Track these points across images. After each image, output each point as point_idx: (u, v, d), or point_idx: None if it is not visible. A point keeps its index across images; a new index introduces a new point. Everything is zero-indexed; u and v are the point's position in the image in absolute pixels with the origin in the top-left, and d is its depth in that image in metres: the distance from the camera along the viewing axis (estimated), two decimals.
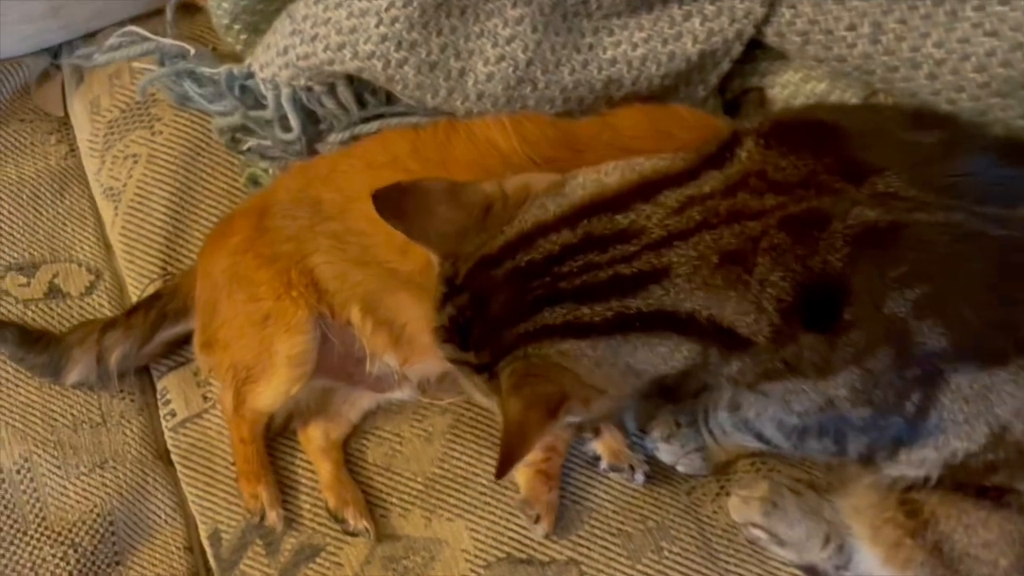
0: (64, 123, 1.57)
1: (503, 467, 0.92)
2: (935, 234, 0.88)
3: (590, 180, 0.98)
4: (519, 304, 0.95)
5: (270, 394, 1.23)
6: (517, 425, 0.93)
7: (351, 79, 1.27)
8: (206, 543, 1.31)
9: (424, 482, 1.29)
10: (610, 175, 0.98)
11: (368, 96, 1.28)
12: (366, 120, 1.29)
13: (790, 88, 1.29)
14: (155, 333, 1.34)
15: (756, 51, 1.29)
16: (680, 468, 1.27)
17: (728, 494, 1.26)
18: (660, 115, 1.24)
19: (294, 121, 1.29)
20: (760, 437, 1.13)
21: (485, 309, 0.96)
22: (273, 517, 1.26)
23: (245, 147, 1.37)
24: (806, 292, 0.88)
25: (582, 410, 0.96)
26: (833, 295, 0.88)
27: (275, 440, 1.32)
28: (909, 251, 0.88)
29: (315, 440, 1.29)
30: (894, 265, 0.88)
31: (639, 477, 1.26)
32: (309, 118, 1.30)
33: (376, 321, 1.24)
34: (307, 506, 1.30)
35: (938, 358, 0.90)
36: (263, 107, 1.32)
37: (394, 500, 1.29)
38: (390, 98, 1.30)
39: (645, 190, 0.95)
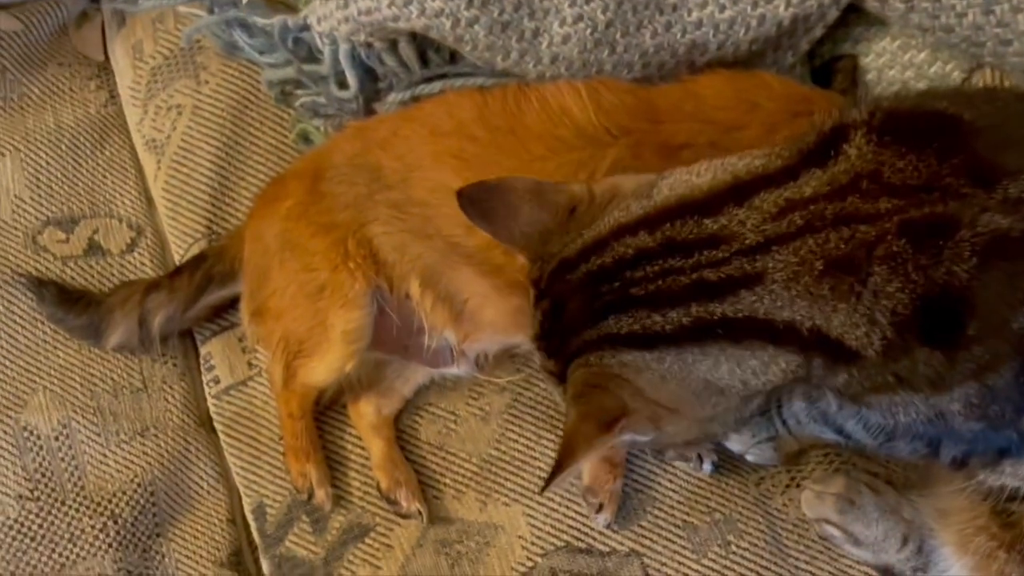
0: (104, 68, 1.49)
1: (550, 478, 0.86)
2: None
3: (680, 181, 0.90)
4: (588, 310, 0.88)
5: (323, 369, 1.17)
6: (568, 436, 0.87)
7: (414, 36, 1.18)
8: (250, 517, 1.26)
9: (479, 463, 1.23)
10: (701, 176, 0.90)
11: (431, 54, 1.20)
12: (428, 80, 1.20)
13: (886, 57, 1.20)
14: (200, 297, 1.28)
15: (851, 15, 1.20)
16: (749, 457, 1.20)
17: (799, 486, 1.20)
18: (745, 83, 1.16)
19: (352, 79, 1.20)
20: (840, 431, 1.06)
21: (561, 315, 0.90)
22: (322, 496, 1.21)
23: (297, 102, 1.28)
24: (926, 305, 0.80)
25: (650, 429, 0.89)
26: (956, 308, 0.80)
27: (324, 413, 1.27)
28: None
29: (367, 416, 1.23)
30: None
31: (707, 467, 1.20)
32: (367, 75, 1.22)
33: (436, 296, 1.17)
34: (357, 484, 1.24)
35: None
36: (318, 61, 1.23)
37: (447, 481, 1.23)
38: (454, 57, 1.21)
39: (739, 192, 0.87)
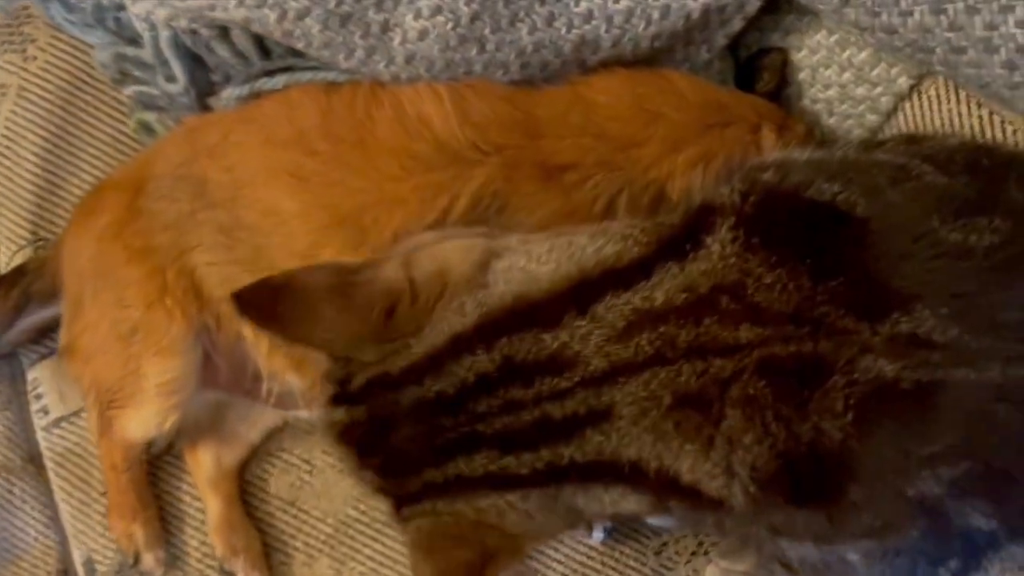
0: None
1: None
2: (986, 401, 0.61)
3: (517, 269, 0.71)
4: (428, 446, 0.71)
5: (139, 424, 0.99)
6: None
7: None
8: (80, 571, 1.10)
9: (335, 525, 1.07)
10: (542, 263, 0.71)
11: (273, 43, 0.99)
12: (270, 73, 1.00)
13: (821, 53, 0.99)
14: (18, 318, 1.10)
15: (781, 2, 0.98)
16: (650, 520, 1.03)
17: (707, 554, 1.03)
18: (648, 86, 0.96)
19: (178, 70, 1.00)
20: None
21: (386, 437, 0.72)
22: (150, 561, 1.04)
23: (126, 92, 1.08)
24: (792, 464, 0.61)
25: (515, 560, 0.74)
26: (832, 470, 0.61)
27: (159, 458, 1.09)
28: (946, 425, 0.62)
29: (205, 467, 1.06)
30: (923, 442, 0.61)
31: (597, 535, 1.04)
32: (198, 66, 1.01)
33: (272, 338, 0.98)
34: (195, 543, 1.08)
35: (985, 537, 0.64)
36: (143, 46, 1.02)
37: (298, 544, 1.07)
38: None
39: (584, 293, 0.68)
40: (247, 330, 0.98)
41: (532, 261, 0.71)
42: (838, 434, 0.61)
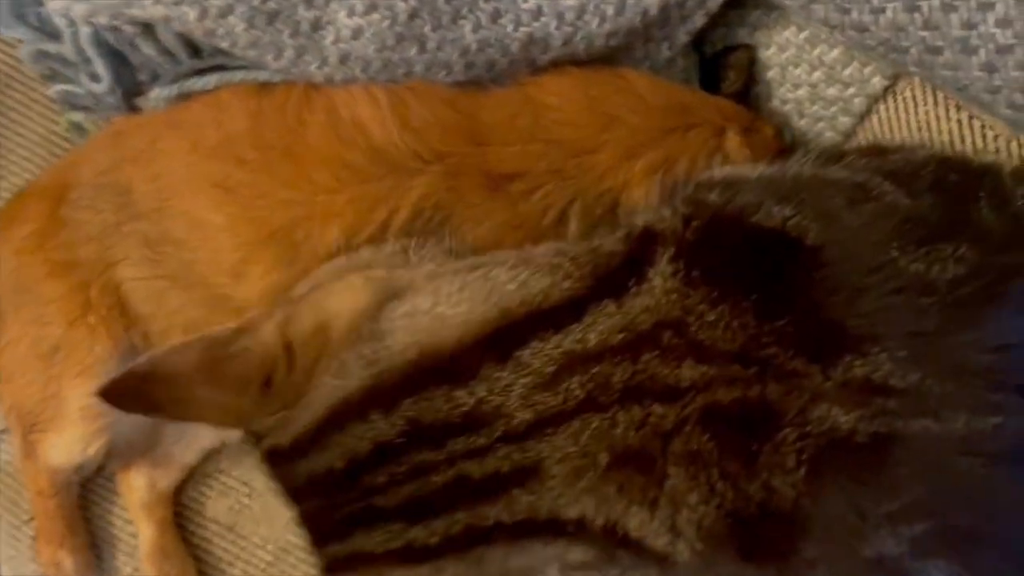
0: None
1: None
2: (949, 455, 0.55)
3: (422, 314, 0.64)
4: (326, 520, 0.64)
5: (63, 450, 0.93)
6: None
7: None
8: None
9: (275, 552, 1.01)
10: (454, 303, 0.64)
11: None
12: (200, 72, 0.93)
13: (791, 51, 0.92)
14: None
15: None
16: None
17: None
18: (603, 87, 0.89)
19: (102, 69, 0.93)
20: None
21: (297, 507, 0.65)
22: None
23: (52, 90, 1.01)
24: (741, 522, 0.55)
25: None
26: (783, 527, 0.55)
27: (91, 480, 1.03)
28: (905, 481, 0.55)
29: (138, 491, 1.00)
30: (881, 499, 0.55)
31: None
32: (123, 64, 0.94)
33: None
34: (127, 571, 1.02)
35: None
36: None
37: (236, 572, 1.02)
38: None
39: (504, 339, 0.61)
40: None
41: (441, 303, 0.64)
42: (790, 491, 0.55)
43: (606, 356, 0.58)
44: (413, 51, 0.86)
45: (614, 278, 0.61)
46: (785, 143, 0.94)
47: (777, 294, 0.57)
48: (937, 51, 0.80)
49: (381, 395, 0.62)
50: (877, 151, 0.72)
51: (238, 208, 0.86)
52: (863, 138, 0.92)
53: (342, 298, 0.67)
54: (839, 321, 0.56)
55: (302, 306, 0.68)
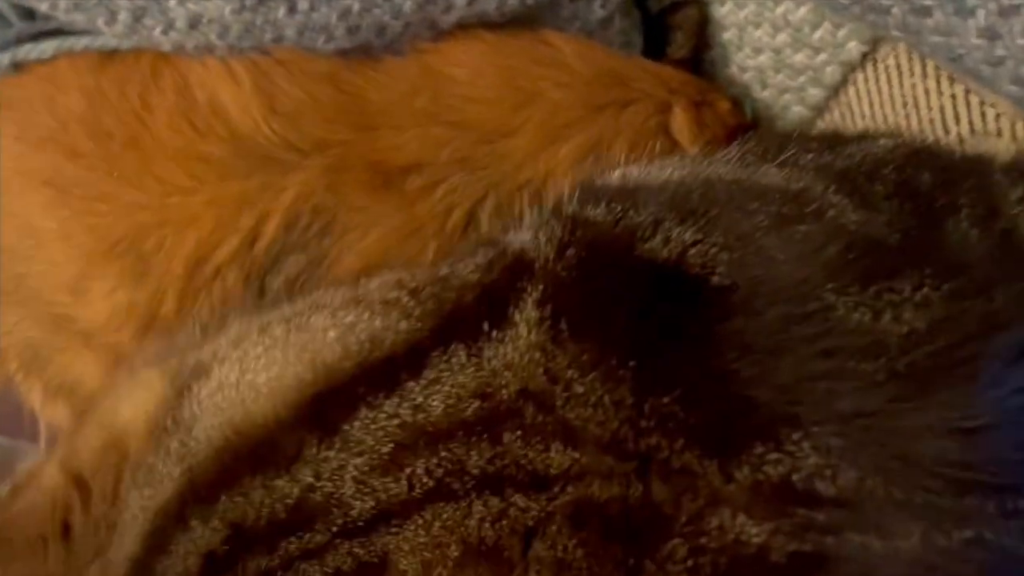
0: None
1: None
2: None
3: (229, 388, 0.49)
4: None
5: None
6: None
7: None
8: None
9: None
10: (262, 367, 0.49)
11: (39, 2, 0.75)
12: (35, 38, 0.76)
13: (750, 8, 0.76)
14: None
15: None
16: None
17: None
18: (521, 56, 0.74)
19: None
20: None
21: None
22: None
23: None
24: None
25: None
26: None
27: None
28: None
29: None
30: None
31: None
32: None
33: (47, 386, 0.77)
34: None
35: None
36: None
37: None
38: None
39: (326, 409, 0.46)
40: (16, 374, 0.77)
41: (249, 369, 0.49)
42: None
43: (458, 435, 0.43)
44: (281, 11, 0.69)
45: (467, 318, 0.46)
46: (745, 118, 0.79)
47: (665, 358, 0.42)
48: (925, 12, 0.64)
49: (197, 495, 0.47)
50: (831, 142, 0.56)
51: (72, 212, 0.71)
52: (838, 114, 0.76)
53: (134, 400, 0.52)
54: (747, 397, 0.41)
55: (84, 429, 0.53)
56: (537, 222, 0.49)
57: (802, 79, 0.76)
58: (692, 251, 0.45)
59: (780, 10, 0.74)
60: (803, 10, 0.73)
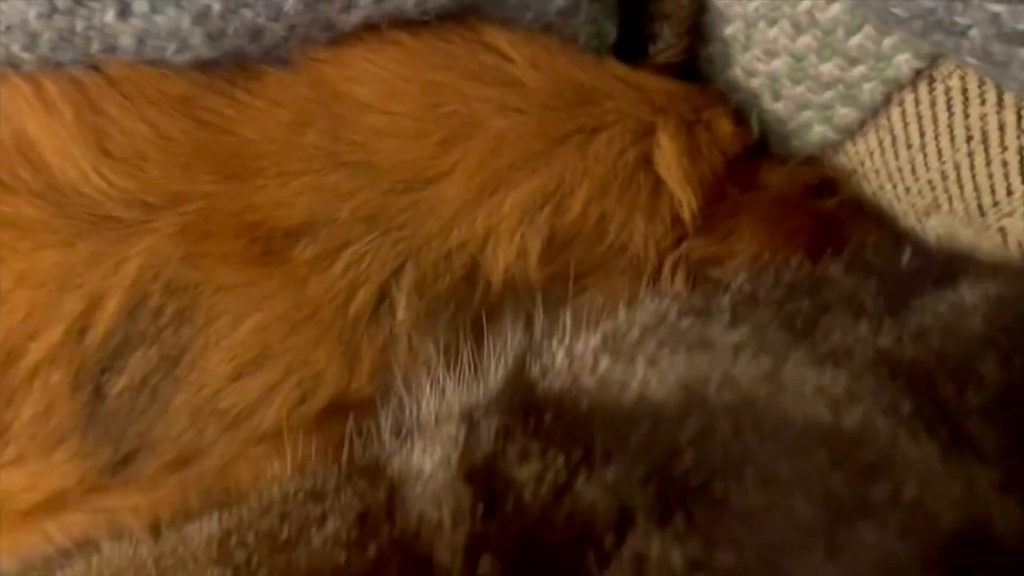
0: None
1: None
2: None
3: None
4: None
5: None
6: None
7: None
8: None
9: None
10: None
11: None
12: None
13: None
14: None
15: None
16: None
17: None
18: (451, 67, 0.55)
19: None
20: None
21: None
22: None
23: None
24: None
25: None
26: None
27: None
28: None
29: None
30: None
31: None
32: None
33: None
34: None
35: None
36: None
37: None
38: None
39: None
40: None
41: None
42: None
43: None
44: (110, 15, 0.49)
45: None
46: (751, 139, 0.60)
47: None
48: (1020, 39, 0.44)
49: None
50: (887, 290, 0.36)
51: None
52: (875, 140, 0.57)
53: None
54: None
55: None
56: (439, 455, 0.30)
57: (829, 94, 0.57)
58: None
59: (804, 5, 0.54)
60: (835, 8, 0.54)
